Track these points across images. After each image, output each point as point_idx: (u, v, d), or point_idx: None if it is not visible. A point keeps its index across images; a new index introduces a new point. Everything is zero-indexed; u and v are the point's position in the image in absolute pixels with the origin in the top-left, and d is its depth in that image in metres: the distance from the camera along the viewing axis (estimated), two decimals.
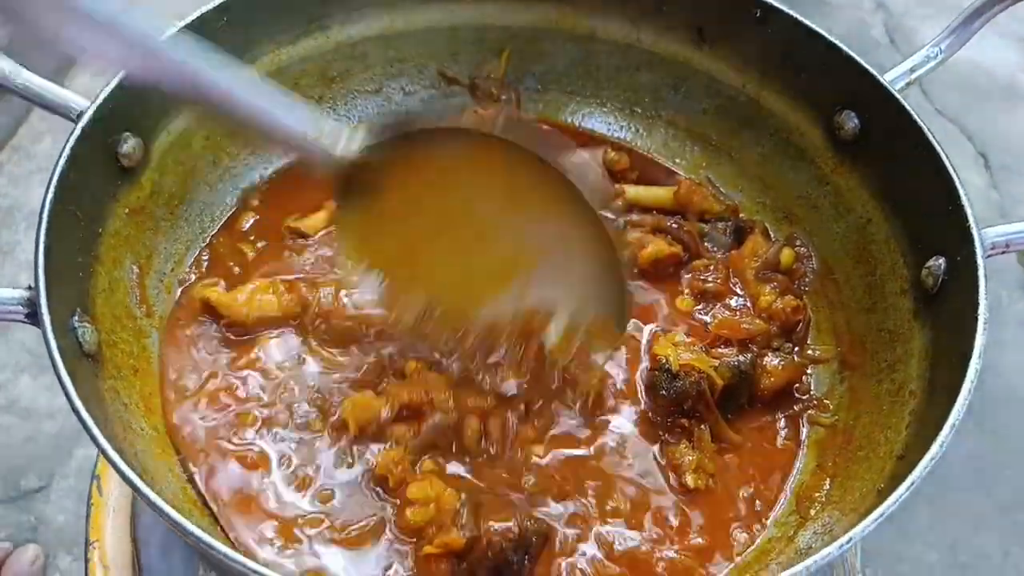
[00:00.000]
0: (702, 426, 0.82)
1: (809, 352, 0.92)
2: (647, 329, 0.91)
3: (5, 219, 2.29)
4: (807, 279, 0.96)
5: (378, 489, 0.77)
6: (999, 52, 3.15)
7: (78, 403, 0.60)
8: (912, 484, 0.59)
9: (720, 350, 0.86)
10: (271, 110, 0.69)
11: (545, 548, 0.74)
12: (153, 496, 0.56)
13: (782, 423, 0.87)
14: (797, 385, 0.89)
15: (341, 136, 0.71)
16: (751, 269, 0.94)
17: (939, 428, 0.62)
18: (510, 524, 0.71)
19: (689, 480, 0.80)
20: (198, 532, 0.55)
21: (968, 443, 2.05)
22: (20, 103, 2.51)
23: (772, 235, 1.01)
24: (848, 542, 0.57)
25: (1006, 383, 2.18)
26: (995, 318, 2.33)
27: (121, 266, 0.84)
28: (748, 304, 0.94)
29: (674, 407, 0.82)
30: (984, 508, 1.96)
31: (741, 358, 0.84)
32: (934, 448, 0.61)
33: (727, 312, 0.93)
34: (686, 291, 0.95)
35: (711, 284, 0.95)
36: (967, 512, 1.95)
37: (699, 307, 0.93)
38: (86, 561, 1.02)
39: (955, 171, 0.79)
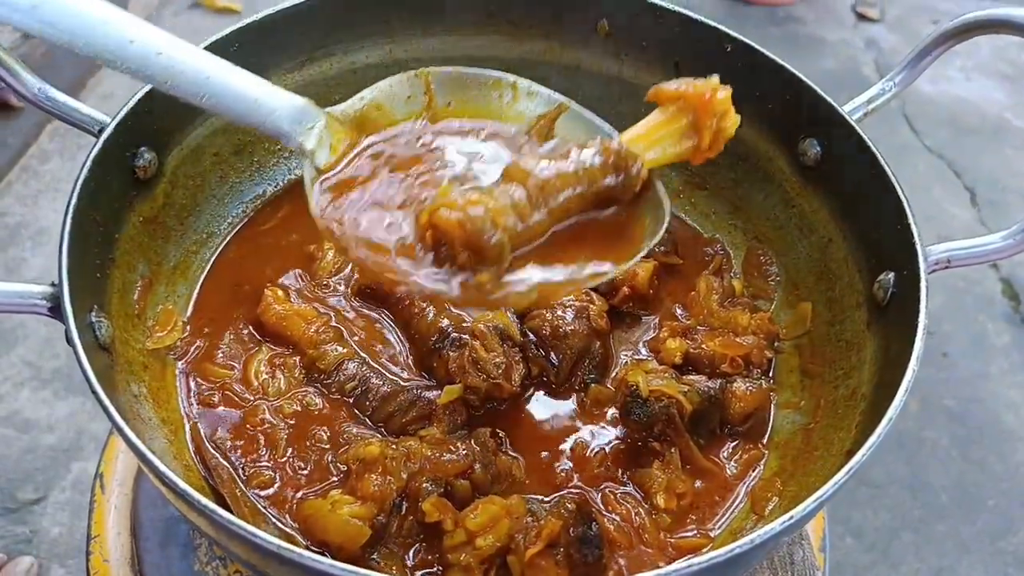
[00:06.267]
0: (672, 449, 0.87)
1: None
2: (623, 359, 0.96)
3: (12, 237, 2.36)
4: (773, 297, 1.03)
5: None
6: (987, 91, 3.24)
7: (94, 380, 0.66)
8: (851, 470, 0.65)
9: (691, 377, 0.90)
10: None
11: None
12: (158, 463, 0.61)
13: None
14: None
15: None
16: (713, 303, 0.99)
17: (877, 422, 0.68)
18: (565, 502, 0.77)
19: (660, 500, 0.84)
20: (199, 498, 0.60)
21: (954, 472, 2.10)
22: (29, 124, 2.60)
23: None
24: (790, 519, 0.62)
25: (992, 414, 2.22)
26: (981, 351, 2.37)
27: (134, 270, 0.90)
28: (729, 330, 0.97)
29: (645, 431, 0.87)
30: (969, 536, 2.00)
31: (710, 384, 0.89)
32: (871, 439, 0.66)
33: (716, 339, 0.95)
34: (665, 334, 0.97)
35: (687, 322, 0.99)
36: (953, 539, 1.98)
37: (690, 344, 0.95)
38: (87, 555, 1.06)
39: (904, 193, 0.85)
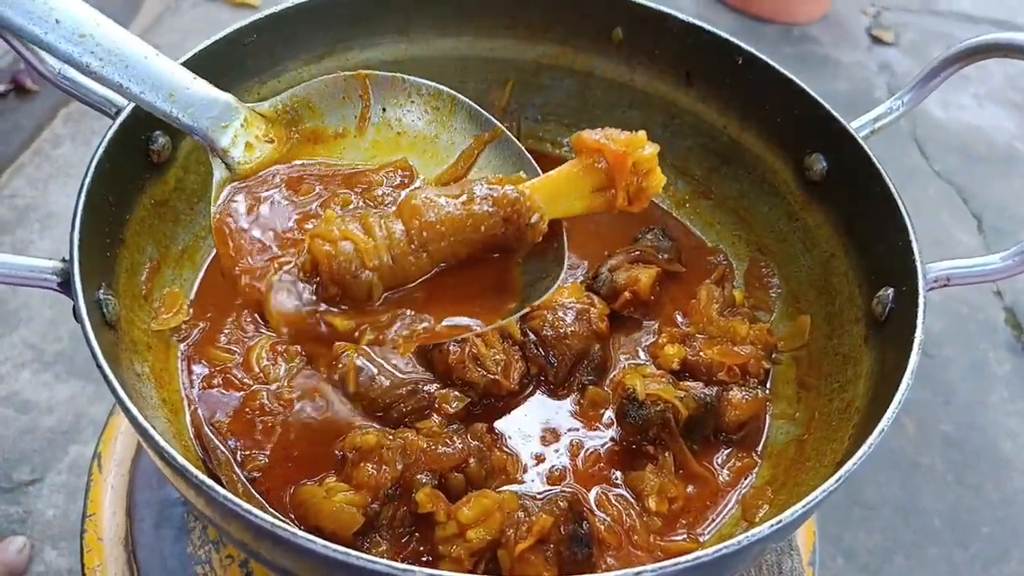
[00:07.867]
0: (666, 453, 0.88)
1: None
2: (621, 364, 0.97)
3: (21, 219, 2.36)
4: (774, 309, 1.03)
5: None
6: (998, 119, 3.25)
7: (99, 355, 0.67)
8: (841, 479, 0.65)
9: (688, 383, 0.91)
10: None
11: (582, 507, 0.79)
12: (158, 438, 0.62)
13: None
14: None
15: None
16: (713, 311, 0.99)
17: (869, 434, 0.68)
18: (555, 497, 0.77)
19: (652, 503, 0.84)
20: (197, 473, 0.60)
21: (949, 498, 2.09)
22: (44, 108, 2.61)
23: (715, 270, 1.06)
24: (778, 523, 0.63)
25: (989, 441, 2.22)
26: (982, 378, 2.37)
27: (143, 252, 0.91)
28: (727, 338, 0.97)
29: (640, 434, 0.88)
30: (962, 561, 1.99)
31: (707, 391, 0.89)
32: (862, 449, 0.67)
33: (715, 347, 0.95)
34: (664, 340, 0.97)
35: (687, 329, 0.99)
36: (946, 564, 1.98)
37: (688, 350, 0.96)
38: (82, 532, 1.06)
39: (906, 210, 0.86)
